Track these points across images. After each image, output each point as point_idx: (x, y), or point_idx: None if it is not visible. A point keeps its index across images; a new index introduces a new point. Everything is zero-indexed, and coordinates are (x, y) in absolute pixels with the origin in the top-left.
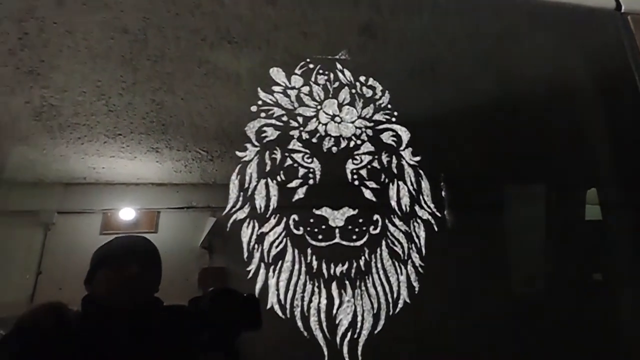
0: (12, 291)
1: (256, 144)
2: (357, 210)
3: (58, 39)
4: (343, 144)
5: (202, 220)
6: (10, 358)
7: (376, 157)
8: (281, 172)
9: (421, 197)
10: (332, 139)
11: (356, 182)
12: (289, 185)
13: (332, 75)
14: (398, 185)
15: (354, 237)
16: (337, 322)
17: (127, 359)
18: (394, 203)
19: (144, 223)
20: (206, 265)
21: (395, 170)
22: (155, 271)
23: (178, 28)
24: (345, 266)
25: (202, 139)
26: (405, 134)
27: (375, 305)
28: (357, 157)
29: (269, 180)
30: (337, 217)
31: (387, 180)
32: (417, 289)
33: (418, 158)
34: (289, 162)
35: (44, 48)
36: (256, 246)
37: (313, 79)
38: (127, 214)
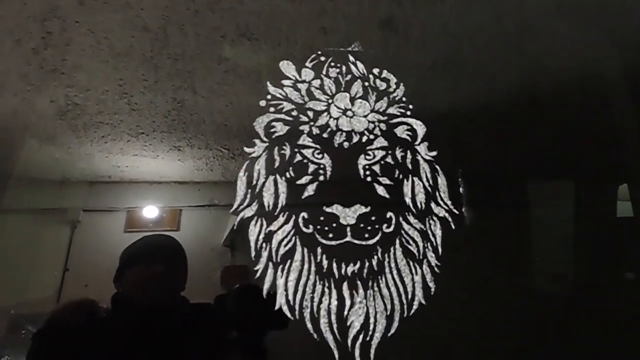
0: (41, 288)
1: (265, 139)
2: (369, 208)
3: (80, 38)
4: (355, 139)
5: (223, 218)
6: (43, 352)
7: (390, 152)
8: (290, 168)
9: (437, 193)
10: (344, 134)
11: (369, 179)
12: (299, 182)
13: (344, 68)
14: (413, 182)
15: (366, 235)
16: (348, 324)
17: (156, 356)
18: (408, 200)
19: (166, 221)
20: (228, 264)
21: (410, 166)
22: (182, 270)
23: (198, 25)
24: (357, 266)
25: (223, 136)
26: (420, 128)
27: (389, 307)
28: (370, 152)
29: (278, 176)
30: (348, 215)
31: (401, 176)
32: (433, 289)
33: (434, 153)
34: (298, 158)
35: (67, 47)
36: (264, 245)
37: (324, 72)
38: (150, 212)
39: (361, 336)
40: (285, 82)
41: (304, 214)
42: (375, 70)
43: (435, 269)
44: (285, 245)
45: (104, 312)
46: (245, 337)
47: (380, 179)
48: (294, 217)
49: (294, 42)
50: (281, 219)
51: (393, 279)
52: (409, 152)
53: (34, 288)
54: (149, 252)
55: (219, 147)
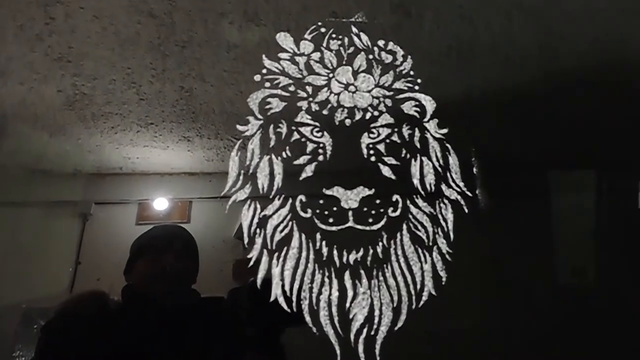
0: (53, 282)
1: (259, 116)
2: (373, 190)
3: (85, 24)
4: (358, 116)
5: (235, 210)
6: (52, 344)
7: (396, 129)
8: (287, 147)
9: (448, 174)
10: (346, 110)
11: (373, 159)
12: (296, 162)
13: (346, 40)
14: (421, 161)
15: (370, 220)
16: (351, 316)
17: (166, 350)
18: (416, 181)
19: (176, 213)
20: (240, 256)
21: (418, 145)
22: (193, 261)
23: (205, 11)
24: (360, 253)
25: (234, 126)
26: (430, 104)
27: (396, 298)
28: (374, 130)
29: (273, 156)
30: (350, 198)
31: (408, 156)
32: (444, 279)
33: (445, 130)
34: (296, 136)
35: (72, 34)
36: (258, 231)
37: (325, 44)
38: (161, 204)
39: (365, 330)
40: (282, 55)
41: (302, 197)
42: (381, 42)
43: (447, 256)
44: (281, 231)
45: (114, 304)
46: (261, 333)
47: (386, 158)
48: (290, 201)
49: (303, 27)
50: (277, 203)
51: (400, 267)
52: (417, 129)
53: (46, 282)
54: (159, 244)
55: (229, 137)
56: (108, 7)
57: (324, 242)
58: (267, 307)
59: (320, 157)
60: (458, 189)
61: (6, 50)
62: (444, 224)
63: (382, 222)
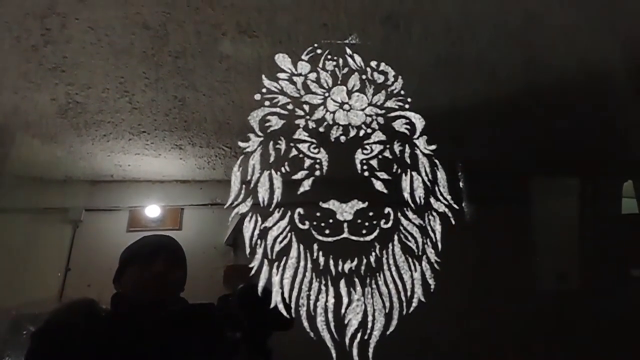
0: (42, 288)
1: (259, 133)
2: (367, 203)
3: (80, 35)
4: (352, 133)
5: (226, 217)
6: (41, 352)
7: (388, 146)
8: (286, 163)
9: (437, 188)
10: (341, 128)
11: (366, 173)
12: (294, 177)
13: (341, 61)
14: (411, 176)
15: (364, 231)
16: (346, 322)
17: (155, 357)
18: (407, 195)
19: (168, 220)
20: (231, 263)
21: (408, 160)
22: (181, 270)
23: (198, 22)
24: (355, 263)
25: (225, 135)
26: (419, 122)
27: (387, 305)
28: (367, 146)
29: (273, 171)
30: (345, 211)
31: (399, 171)
32: (432, 286)
33: (433, 147)
34: (294, 152)
35: (67, 44)
36: (259, 241)
37: (321, 65)
38: (152, 211)
39: (359, 335)
40: (281, 75)
41: (300, 210)
42: (373, 63)
43: (435, 265)
44: (281, 242)
45: (103, 312)
46: (250, 338)
47: (378, 173)
48: (289, 213)
49: (295, 39)
50: (276, 215)
51: (392, 276)
52: (407, 146)
53: (35, 288)
54: (148, 252)
55: (220, 146)
56: (103, 19)
57: (320, 252)
58: (256, 313)
59: (317, 172)
60: (446, 202)
61: (2, 61)
62: (432, 235)
63: (375, 233)
